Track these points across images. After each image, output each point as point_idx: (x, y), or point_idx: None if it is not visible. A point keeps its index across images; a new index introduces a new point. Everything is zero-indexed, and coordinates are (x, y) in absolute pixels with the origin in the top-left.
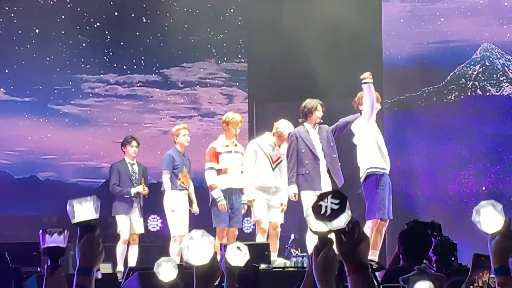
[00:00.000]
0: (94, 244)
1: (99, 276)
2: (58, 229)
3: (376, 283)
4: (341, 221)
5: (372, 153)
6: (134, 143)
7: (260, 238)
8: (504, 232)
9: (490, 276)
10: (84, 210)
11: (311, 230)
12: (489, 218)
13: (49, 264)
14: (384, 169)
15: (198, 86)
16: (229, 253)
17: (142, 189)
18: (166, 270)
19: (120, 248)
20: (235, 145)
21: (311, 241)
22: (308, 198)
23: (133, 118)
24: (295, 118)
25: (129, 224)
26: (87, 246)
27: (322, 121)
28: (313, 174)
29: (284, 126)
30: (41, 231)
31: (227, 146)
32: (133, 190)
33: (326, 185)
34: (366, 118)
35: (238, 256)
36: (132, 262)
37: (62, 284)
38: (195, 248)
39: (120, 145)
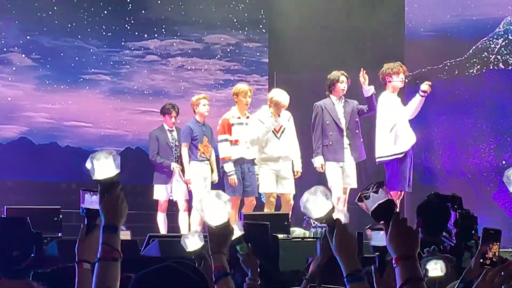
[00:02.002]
0: (117, 200)
1: (124, 228)
2: (95, 190)
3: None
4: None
5: (395, 136)
6: (173, 113)
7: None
8: None
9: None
10: (105, 166)
11: (315, 219)
12: None
13: (85, 223)
14: (404, 152)
15: (218, 56)
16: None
17: (178, 168)
18: (192, 242)
19: (160, 217)
20: (247, 117)
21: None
22: (332, 169)
23: (154, 87)
24: (315, 89)
25: (166, 193)
26: (111, 203)
27: (345, 93)
28: (337, 146)
29: (278, 94)
30: (81, 190)
31: (239, 118)
32: (173, 165)
33: (349, 158)
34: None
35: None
36: (184, 229)
37: (95, 247)
38: (210, 210)
39: (159, 112)
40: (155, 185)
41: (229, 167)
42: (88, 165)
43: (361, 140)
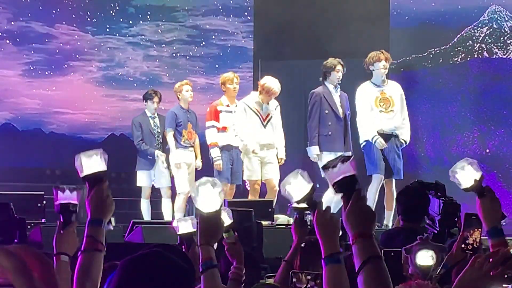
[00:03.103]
0: (103, 196)
1: (111, 228)
2: (70, 186)
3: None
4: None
5: (368, 121)
6: (156, 98)
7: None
8: (480, 192)
9: (482, 235)
10: (92, 163)
11: (296, 203)
12: (467, 176)
13: (61, 220)
14: (375, 136)
15: (203, 43)
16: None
17: (163, 156)
18: (184, 225)
19: (144, 204)
20: (236, 105)
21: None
22: (328, 159)
23: (139, 74)
24: (299, 77)
25: (149, 180)
26: (97, 198)
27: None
28: (335, 136)
29: (270, 81)
30: (54, 188)
31: (228, 105)
32: (157, 152)
33: (346, 147)
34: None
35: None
36: (167, 216)
37: (72, 241)
38: (205, 196)
39: (142, 98)
40: (138, 172)
41: (215, 153)
42: (76, 162)
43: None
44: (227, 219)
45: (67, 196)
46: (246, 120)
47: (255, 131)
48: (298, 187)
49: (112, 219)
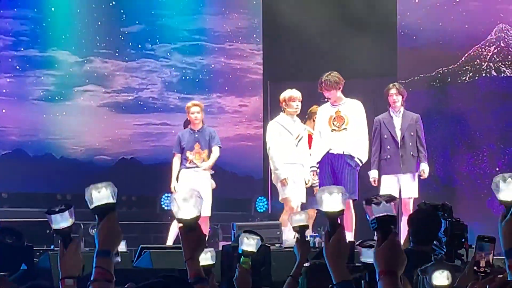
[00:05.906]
0: (112, 226)
1: (118, 259)
2: (59, 208)
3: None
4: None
5: (315, 146)
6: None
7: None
8: None
9: (494, 257)
10: (101, 196)
11: (323, 211)
12: (508, 189)
13: (61, 241)
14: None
15: (212, 66)
16: (242, 240)
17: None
18: (203, 258)
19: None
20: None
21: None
22: (388, 182)
23: (147, 99)
24: (308, 98)
25: None
26: (106, 229)
27: (398, 104)
28: (394, 159)
29: (286, 91)
30: (45, 212)
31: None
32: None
33: (405, 168)
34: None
35: (250, 242)
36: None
37: (76, 261)
38: (184, 204)
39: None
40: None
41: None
42: (86, 195)
43: (412, 153)
44: (209, 259)
45: (59, 220)
46: (279, 141)
47: (288, 151)
48: (332, 202)
49: (123, 242)
